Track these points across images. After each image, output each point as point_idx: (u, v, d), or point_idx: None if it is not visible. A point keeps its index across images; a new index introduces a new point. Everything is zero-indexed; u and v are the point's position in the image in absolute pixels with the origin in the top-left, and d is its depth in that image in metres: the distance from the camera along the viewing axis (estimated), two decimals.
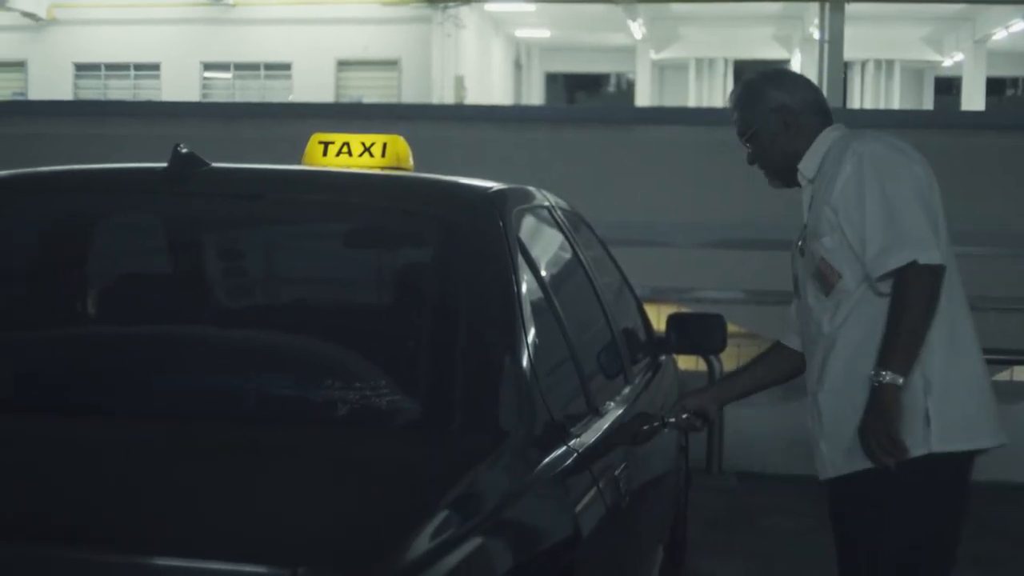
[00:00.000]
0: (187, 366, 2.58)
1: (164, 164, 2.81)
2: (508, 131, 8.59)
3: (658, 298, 6.41)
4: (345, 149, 3.26)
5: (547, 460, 2.43)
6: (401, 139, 3.33)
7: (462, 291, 2.64)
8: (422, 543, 1.91)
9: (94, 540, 1.85)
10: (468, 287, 2.63)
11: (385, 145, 3.27)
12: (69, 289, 2.96)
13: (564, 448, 2.51)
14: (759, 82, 3.14)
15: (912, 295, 2.82)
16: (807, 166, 3.08)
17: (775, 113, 3.07)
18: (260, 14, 25.29)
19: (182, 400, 2.48)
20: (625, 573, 2.88)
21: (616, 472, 2.76)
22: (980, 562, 4.83)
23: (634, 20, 28.25)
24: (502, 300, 2.58)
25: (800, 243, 3.11)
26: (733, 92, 3.20)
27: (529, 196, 3.22)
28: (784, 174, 3.12)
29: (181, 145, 2.80)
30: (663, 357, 4.10)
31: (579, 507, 2.47)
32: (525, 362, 2.49)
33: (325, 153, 3.28)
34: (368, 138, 3.28)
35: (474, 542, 2.01)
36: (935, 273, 2.83)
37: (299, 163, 3.34)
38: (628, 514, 2.79)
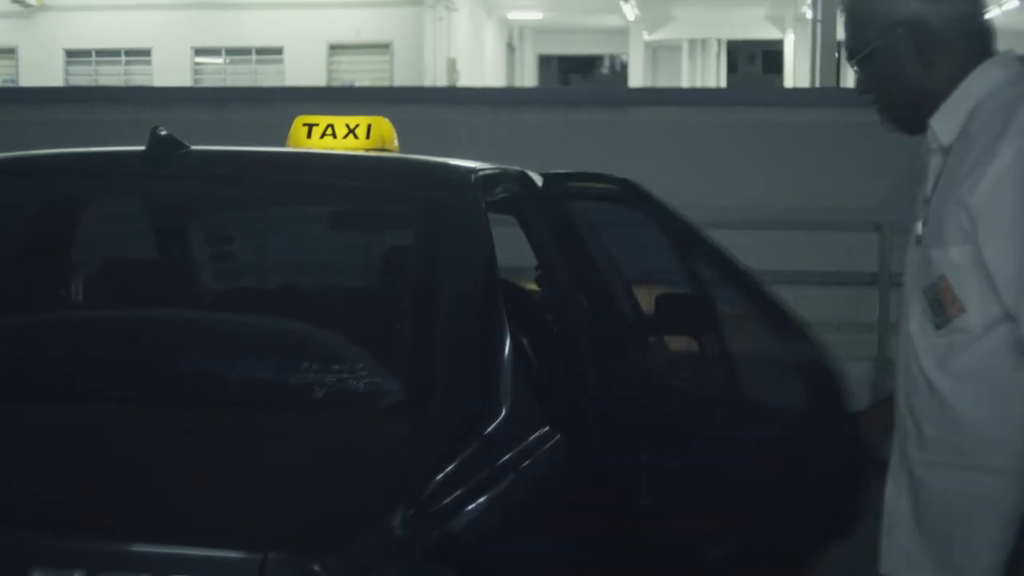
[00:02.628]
0: (164, 350, 2.58)
1: (142, 147, 2.79)
2: (500, 113, 8.58)
3: (648, 279, 6.39)
4: (329, 131, 3.25)
5: (526, 444, 2.41)
6: (386, 120, 3.31)
7: (442, 273, 2.62)
8: (394, 527, 1.90)
9: (60, 526, 1.84)
10: (448, 269, 2.62)
11: (370, 127, 3.26)
12: (42, 274, 2.95)
13: (544, 432, 2.49)
14: None
15: None
16: (943, 126, 2.12)
17: (904, 29, 2.10)
18: None
19: (157, 384, 2.48)
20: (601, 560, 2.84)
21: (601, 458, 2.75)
22: None
23: (627, 1, 28.16)
24: (483, 282, 2.56)
25: (919, 232, 2.16)
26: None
27: (514, 177, 3.19)
28: (909, 121, 2.18)
29: (159, 128, 2.78)
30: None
31: (558, 493, 2.45)
32: (505, 345, 2.46)
33: (309, 135, 3.27)
34: (352, 120, 3.27)
35: (447, 526, 2.00)
36: None
37: (284, 146, 3.32)
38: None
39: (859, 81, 2.22)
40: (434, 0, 24.71)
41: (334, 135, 3.23)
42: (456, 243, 2.64)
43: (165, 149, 2.75)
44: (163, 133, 2.76)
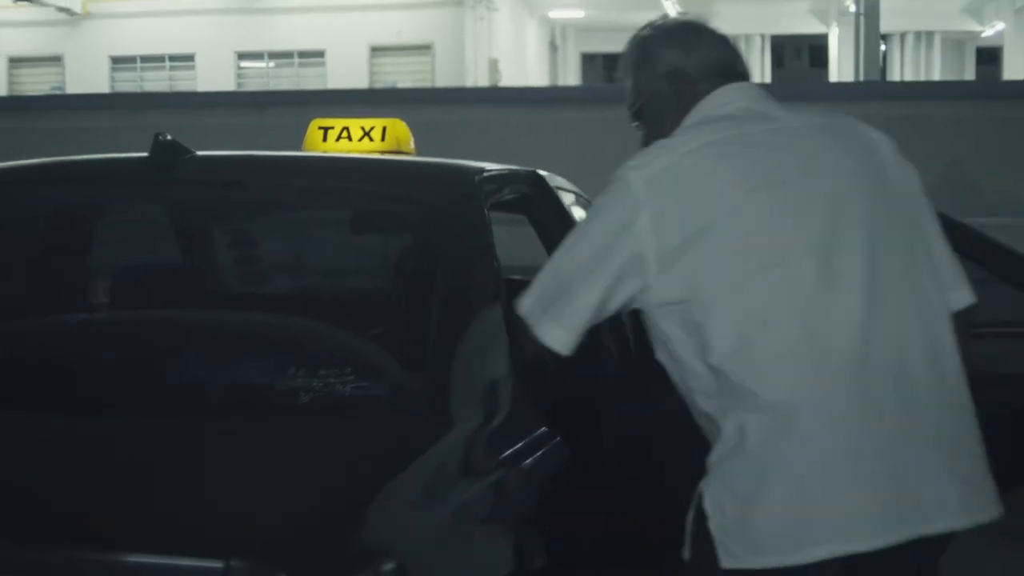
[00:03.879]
0: (147, 355, 2.55)
1: (145, 153, 2.78)
2: (541, 112, 8.53)
3: None
4: (345, 134, 3.23)
5: (522, 448, 2.36)
6: (401, 123, 3.28)
7: (438, 276, 2.57)
8: (367, 535, 1.87)
9: (18, 535, 1.80)
10: (444, 272, 2.57)
11: (385, 129, 3.23)
12: (38, 281, 2.94)
13: (543, 433, 2.44)
14: (651, 39, 2.51)
15: None
16: None
17: (667, 80, 2.46)
18: (293, 2, 25.31)
19: (133, 389, 2.43)
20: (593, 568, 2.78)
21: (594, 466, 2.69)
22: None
23: None
24: (481, 285, 2.51)
25: None
26: (623, 53, 2.58)
27: (526, 178, 3.15)
28: None
29: (162, 133, 2.76)
30: None
31: (557, 499, 2.40)
32: (502, 347, 2.41)
33: (325, 139, 3.25)
34: (368, 122, 3.24)
35: (420, 534, 1.96)
36: None
37: (303, 150, 3.31)
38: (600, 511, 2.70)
39: (643, 135, 2.54)
40: (474, 0, 24.71)
41: (349, 138, 3.20)
42: (454, 245, 2.60)
43: (168, 154, 2.74)
44: (166, 139, 2.74)
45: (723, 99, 2.45)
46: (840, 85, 16.86)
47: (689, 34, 2.51)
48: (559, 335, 2.32)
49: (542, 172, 3.24)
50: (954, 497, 2.30)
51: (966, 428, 2.37)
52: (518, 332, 2.38)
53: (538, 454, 2.41)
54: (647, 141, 2.49)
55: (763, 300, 2.26)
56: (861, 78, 16.54)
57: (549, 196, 3.20)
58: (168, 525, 1.83)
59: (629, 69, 2.53)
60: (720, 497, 2.29)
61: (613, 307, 2.34)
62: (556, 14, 31.25)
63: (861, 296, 2.28)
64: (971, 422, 2.38)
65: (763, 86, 2.54)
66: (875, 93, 9.02)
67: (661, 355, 2.39)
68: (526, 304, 2.36)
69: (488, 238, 2.59)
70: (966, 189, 6.90)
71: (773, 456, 2.26)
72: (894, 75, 31.25)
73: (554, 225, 3.15)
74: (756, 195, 2.30)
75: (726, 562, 2.28)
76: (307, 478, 2.03)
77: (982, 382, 2.57)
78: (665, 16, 2.67)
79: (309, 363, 2.42)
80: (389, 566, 1.86)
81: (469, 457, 2.26)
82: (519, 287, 3.14)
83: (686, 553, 2.36)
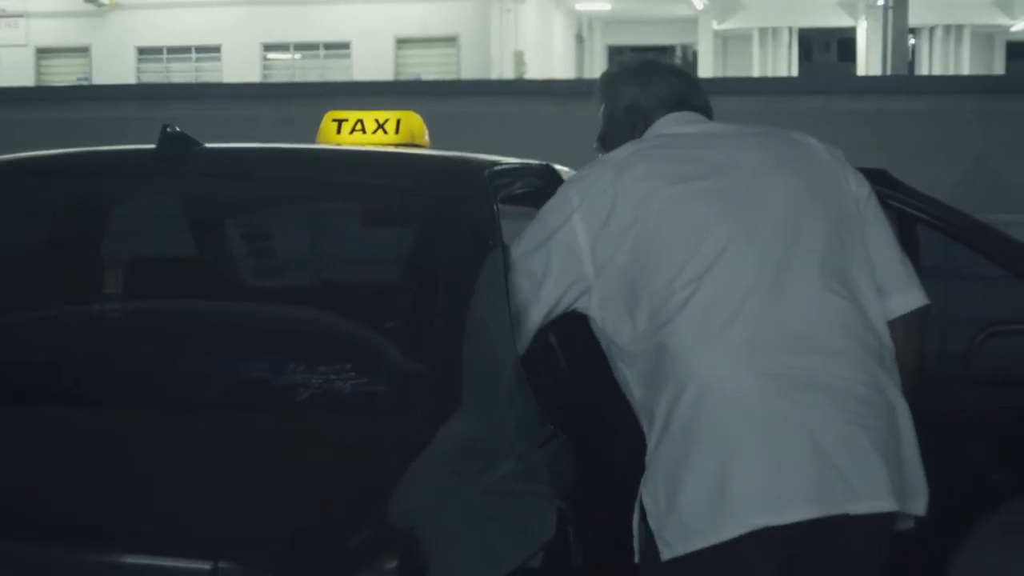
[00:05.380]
0: (146, 350, 2.54)
1: (152, 145, 2.77)
2: (567, 105, 8.49)
3: None
4: (359, 127, 3.20)
5: (517, 451, 2.33)
6: (415, 115, 3.26)
7: (444, 270, 2.54)
8: (358, 534, 1.84)
9: (4, 531, 1.77)
10: (451, 266, 2.54)
11: (399, 121, 3.20)
12: (39, 273, 2.93)
13: (543, 436, 2.41)
14: (616, 76, 2.81)
15: None
16: None
17: (624, 111, 2.74)
18: None
19: (130, 385, 2.41)
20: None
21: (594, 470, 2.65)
22: None
23: None
24: (488, 281, 2.49)
25: None
26: (596, 87, 2.86)
27: (538, 172, 3.13)
28: None
29: (170, 125, 2.75)
30: None
31: (544, 508, 2.36)
32: (507, 345, 2.38)
33: (339, 131, 3.23)
34: (382, 115, 3.22)
35: (418, 534, 1.93)
36: None
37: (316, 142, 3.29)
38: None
39: (598, 145, 2.79)
40: None
41: (363, 130, 3.18)
42: (462, 240, 2.57)
43: (176, 147, 2.72)
44: (174, 130, 2.73)
45: (665, 124, 2.69)
46: (867, 79, 16.74)
47: (647, 73, 2.76)
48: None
49: (556, 166, 3.22)
50: (883, 479, 2.31)
51: (903, 415, 2.41)
52: None
53: (542, 451, 2.39)
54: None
55: (682, 281, 2.39)
56: (889, 72, 16.41)
57: None
58: (157, 524, 1.81)
59: (598, 101, 2.80)
60: (655, 487, 2.36)
61: (559, 310, 2.48)
62: (583, 6, 31.16)
63: (772, 274, 2.39)
64: (899, 417, 2.41)
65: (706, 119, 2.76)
66: (903, 87, 8.96)
67: (611, 361, 2.50)
68: None
69: (497, 232, 2.57)
70: (992, 184, 6.85)
71: (696, 433, 2.32)
72: (922, 69, 31.03)
73: None
74: (676, 187, 2.47)
75: (664, 553, 2.32)
76: (302, 477, 2.00)
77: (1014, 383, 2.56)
78: (629, 56, 2.97)
79: (313, 358, 2.40)
80: (383, 567, 1.84)
81: (472, 454, 2.23)
82: None
83: (636, 555, 2.41)
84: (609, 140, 2.75)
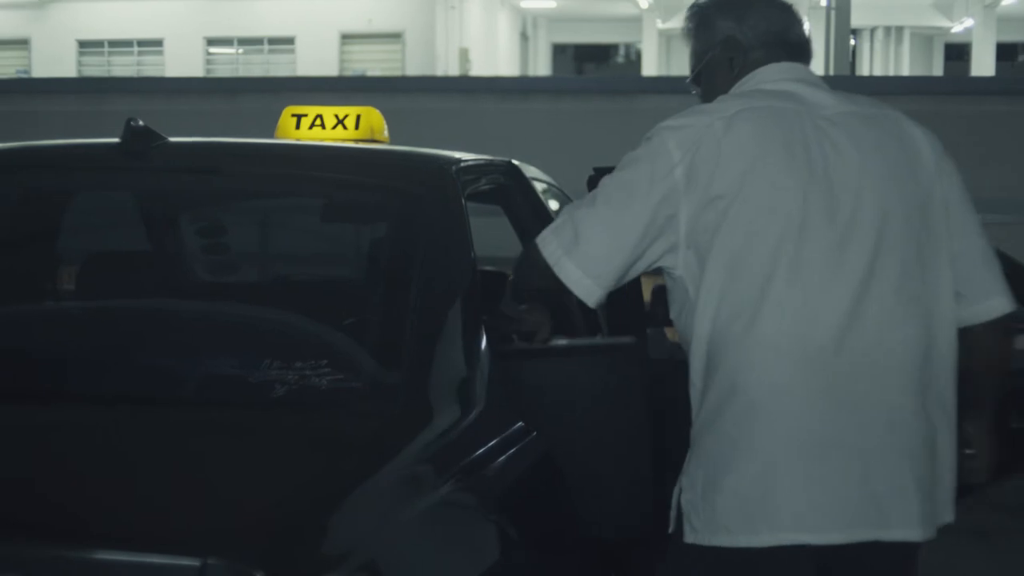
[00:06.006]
0: (121, 345, 2.51)
1: (117, 140, 2.74)
2: (511, 103, 8.53)
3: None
4: (318, 122, 3.19)
5: (500, 441, 2.34)
6: (375, 111, 3.25)
7: (415, 266, 2.53)
8: (346, 530, 1.84)
9: None
10: (421, 261, 2.53)
11: (359, 117, 3.19)
12: (14, 267, 2.90)
13: (519, 427, 2.42)
14: (707, 8, 2.60)
15: None
16: None
17: (721, 47, 2.55)
18: None
19: (107, 380, 2.39)
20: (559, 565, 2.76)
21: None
22: (979, 534, 4.77)
23: None
24: (458, 275, 2.49)
25: None
26: (684, 21, 2.67)
27: (501, 168, 3.13)
28: None
29: (134, 119, 2.72)
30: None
31: (532, 491, 2.37)
32: (479, 339, 2.39)
33: (298, 126, 3.21)
34: (342, 110, 3.21)
35: (398, 530, 1.93)
36: None
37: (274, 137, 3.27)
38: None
39: (692, 83, 2.64)
40: None
41: (323, 126, 3.17)
42: (431, 235, 2.57)
43: (141, 141, 2.70)
44: (138, 124, 2.70)
45: (772, 75, 2.50)
46: None
47: (741, 5, 2.58)
48: (585, 283, 2.35)
49: (517, 162, 3.22)
50: (915, 510, 2.31)
51: (944, 436, 2.38)
52: (527, 270, 2.43)
53: (515, 449, 2.39)
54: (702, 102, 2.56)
55: (758, 282, 2.29)
56: (831, 72, 16.56)
57: (525, 187, 3.19)
58: (144, 522, 1.80)
59: (689, 37, 2.62)
60: (695, 471, 2.34)
61: (644, 264, 2.37)
62: (527, 4, 31.20)
63: (852, 292, 2.30)
64: (940, 440, 2.38)
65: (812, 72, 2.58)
66: (845, 88, 9.05)
67: (674, 314, 2.43)
68: (548, 244, 2.37)
69: (466, 229, 2.57)
70: None
71: (745, 437, 2.28)
72: (863, 70, 31.36)
73: (529, 216, 3.13)
74: (782, 176, 2.32)
75: (687, 537, 2.32)
76: (284, 474, 1.99)
77: None
78: None
79: (284, 356, 2.39)
80: (367, 562, 1.83)
81: (446, 452, 2.23)
82: (492, 278, 3.10)
83: (671, 525, 2.39)
84: (705, 78, 2.58)
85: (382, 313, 2.50)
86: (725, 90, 2.52)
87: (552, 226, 2.42)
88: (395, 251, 2.65)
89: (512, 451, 2.38)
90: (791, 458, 2.27)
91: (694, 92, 2.63)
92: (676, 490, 2.39)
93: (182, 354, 2.48)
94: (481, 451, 2.28)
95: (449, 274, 2.49)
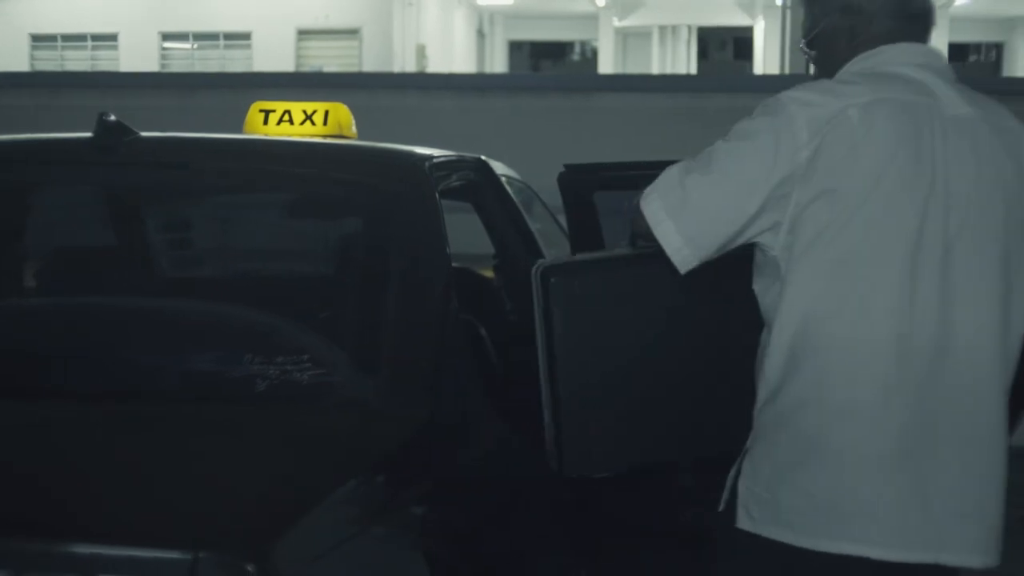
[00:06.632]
0: (104, 341, 2.52)
1: (89, 134, 2.74)
2: (468, 99, 8.53)
3: None
4: (286, 117, 3.20)
5: (477, 437, 2.37)
6: (343, 107, 3.26)
7: (392, 262, 2.57)
8: (333, 525, 1.86)
9: None
10: (398, 257, 2.57)
11: (327, 113, 3.21)
12: None
13: (496, 425, 2.45)
14: None
15: None
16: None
17: (840, 12, 2.39)
18: None
19: (91, 376, 2.41)
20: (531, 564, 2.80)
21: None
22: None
23: None
24: (434, 271, 2.52)
25: None
26: None
27: (472, 165, 3.16)
28: None
29: (107, 113, 2.72)
30: None
31: (510, 487, 2.41)
32: (456, 336, 2.44)
33: (266, 122, 3.22)
34: (310, 106, 3.22)
35: (383, 525, 1.96)
36: None
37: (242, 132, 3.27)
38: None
39: (813, 68, 2.50)
40: None
41: (291, 121, 3.17)
42: (407, 231, 2.59)
43: (113, 135, 2.70)
44: (111, 119, 2.70)
45: (900, 56, 2.36)
46: (767, 78, 17.00)
47: None
48: (683, 249, 2.26)
49: (487, 159, 3.24)
50: (973, 537, 2.28)
51: (1001, 459, 2.34)
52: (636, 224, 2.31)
53: (492, 446, 2.42)
54: (816, 72, 2.46)
55: (865, 287, 2.22)
56: (787, 71, 16.66)
57: (495, 183, 3.21)
58: (135, 517, 1.81)
59: (802, 1, 2.47)
60: (761, 461, 2.28)
61: (743, 239, 2.28)
62: (484, 1, 31.20)
63: (949, 307, 2.24)
64: (1006, 452, 2.35)
65: (938, 55, 2.43)
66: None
67: (758, 288, 2.33)
68: (651, 204, 2.28)
69: (441, 225, 2.60)
70: None
71: (824, 439, 2.23)
72: None
73: (500, 212, 3.15)
74: (904, 180, 2.23)
75: (742, 523, 2.29)
76: (272, 468, 2.02)
77: None
78: None
79: (265, 351, 2.40)
80: (354, 553, 1.85)
81: (425, 447, 2.26)
82: (462, 275, 3.11)
83: (722, 504, 2.35)
84: (821, 46, 2.43)
85: (359, 310, 2.52)
86: (845, 59, 2.38)
87: (659, 185, 2.30)
88: (371, 247, 2.67)
89: (494, 445, 2.41)
90: (868, 469, 2.23)
91: (805, 55, 2.49)
92: (733, 471, 2.33)
93: (163, 350, 2.49)
94: (458, 445, 2.31)
95: (426, 270, 2.51)
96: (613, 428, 2.46)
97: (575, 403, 2.40)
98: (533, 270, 2.37)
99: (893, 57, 2.35)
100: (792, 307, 2.24)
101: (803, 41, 2.47)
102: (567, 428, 2.39)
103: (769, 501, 2.26)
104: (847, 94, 2.26)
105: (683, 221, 2.25)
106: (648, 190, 2.30)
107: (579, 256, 2.70)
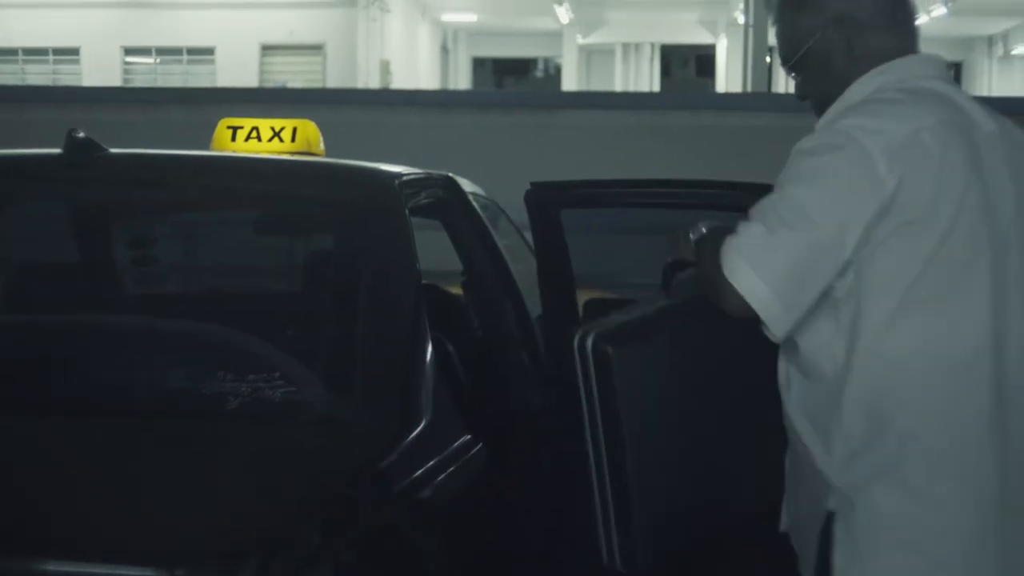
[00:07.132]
0: (75, 357, 2.52)
1: (59, 150, 2.73)
2: (432, 116, 8.56)
3: (579, 284, 6.41)
4: (254, 134, 3.21)
5: (447, 453, 2.38)
6: (311, 124, 3.28)
7: (362, 279, 2.59)
8: (307, 541, 1.87)
9: None
10: (369, 275, 2.59)
11: (295, 130, 3.22)
12: None
13: (466, 440, 2.46)
14: None
15: None
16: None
17: (834, 25, 2.16)
18: None
19: (64, 392, 2.42)
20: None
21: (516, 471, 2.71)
22: None
23: (560, 4, 28.20)
24: (404, 288, 2.53)
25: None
26: None
27: (440, 183, 3.17)
28: None
29: (76, 130, 2.72)
30: None
31: (479, 503, 2.42)
32: (426, 352, 2.45)
33: (234, 138, 3.23)
34: (278, 123, 3.23)
35: (363, 539, 1.97)
36: None
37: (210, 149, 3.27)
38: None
39: (798, 87, 2.26)
40: (367, 1, 24.59)
41: (259, 138, 3.18)
42: (377, 249, 2.61)
43: (82, 152, 2.69)
44: (80, 135, 2.70)
45: (919, 69, 2.18)
46: (730, 96, 17.12)
47: None
48: (783, 316, 2.04)
49: (454, 176, 3.26)
50: None
51: None
52: (696, 283, 2.15)
53: (462, 461, 2.42)
54: (807, 95, 2.25)
55: (946, 320, 2.08)
56: (749, 89, 16.78)
57: (463, 201, 3.23)
58: (111, 534, 1.81)
59: (782, 12, 2.20)
60: (862, 521, 2.10)
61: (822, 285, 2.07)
62: (448, 17, 31.24)
63: (1004, 331, 2.11)
64: None
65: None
66: (764, 105, 9.19)
67: (805, 341, 2.12)
68: (741, 274, 2.03)
69: (411, 242, 2.61)
70: None
71: (927, 490, 2.06)
72: (779, 87, 31.78)
73: (468, 229, 3.17)
74: (975, 207, 2.09)
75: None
76: (246, 486, 2.03)
77: None
78: None
79: (237, 367, 2.41)
80: (329, 571, 1.86)
81: (396, 464, 2.27)
82: (429, 292, 3.12)
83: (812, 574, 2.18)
84: (813, 66, 2.19)
85: (330, 326, 2.53)
86: (846, 76, 2.17)
87: (744, 250, 2.05)
88: (341, 264, 2.68)
89: (458, 463, 2.42)
90: (969, 518, 2.09)
91: (792, 76, 2.27)
92: (816, 539, 2.15)
93: (134, 367, 2.49)
94: (429, 463, 2.32)
95: (396, 287, 2.53)
96: (679, 504, 2.29)
97: (643, 483, 2.21)
98: (576, 340, 2.21)
99: (912, 71, 2.18)
100: (868, 348, 2.07)
101: (787, 64, 2.24)
102: (637, 515, 2.21)
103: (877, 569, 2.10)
104: (908, 117, 2.09)
105: (781, 287, 2.03)
106: (731, 258, 2.04)
107: (617, 317, 2.44)
